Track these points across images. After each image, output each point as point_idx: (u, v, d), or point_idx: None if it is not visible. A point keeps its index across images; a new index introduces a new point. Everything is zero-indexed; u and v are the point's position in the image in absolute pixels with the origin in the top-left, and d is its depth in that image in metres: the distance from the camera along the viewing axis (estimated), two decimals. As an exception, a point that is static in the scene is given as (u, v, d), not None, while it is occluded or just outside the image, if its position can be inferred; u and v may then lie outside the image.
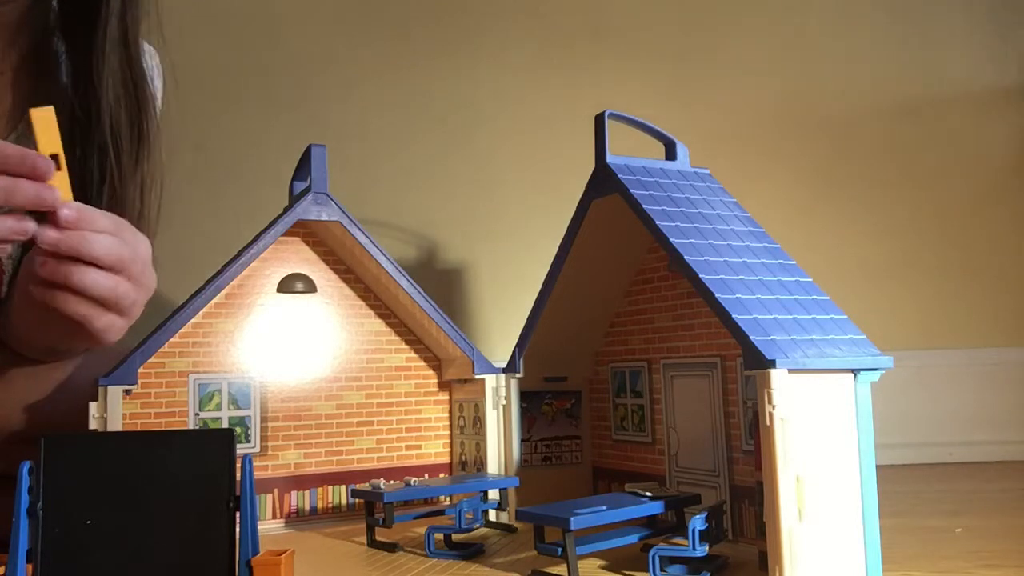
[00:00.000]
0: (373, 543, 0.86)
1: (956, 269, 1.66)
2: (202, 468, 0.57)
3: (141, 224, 0.92)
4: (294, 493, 0.98)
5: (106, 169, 0.89)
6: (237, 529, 0.57)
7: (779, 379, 0.65)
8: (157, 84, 1.02)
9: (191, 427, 0.93)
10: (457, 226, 1.61)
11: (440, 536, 0.84)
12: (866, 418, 0.69)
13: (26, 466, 0.57)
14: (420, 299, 1.00)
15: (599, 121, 0.90)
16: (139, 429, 0.68)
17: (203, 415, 0.94)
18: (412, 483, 0.90)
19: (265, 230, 0.95)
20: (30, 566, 0.56)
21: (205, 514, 0.56)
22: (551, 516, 0.70)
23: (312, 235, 1.03)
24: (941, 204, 1.67)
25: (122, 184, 0.91)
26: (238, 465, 0.57)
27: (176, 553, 0.56)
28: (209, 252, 1.13)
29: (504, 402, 1.01)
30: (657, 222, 0.79)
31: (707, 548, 0.70)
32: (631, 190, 0.84)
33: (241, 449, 0.96)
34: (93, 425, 0.80)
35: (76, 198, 0.66)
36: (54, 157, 0.63)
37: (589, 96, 1.60)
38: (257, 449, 0.97)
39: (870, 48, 1.70)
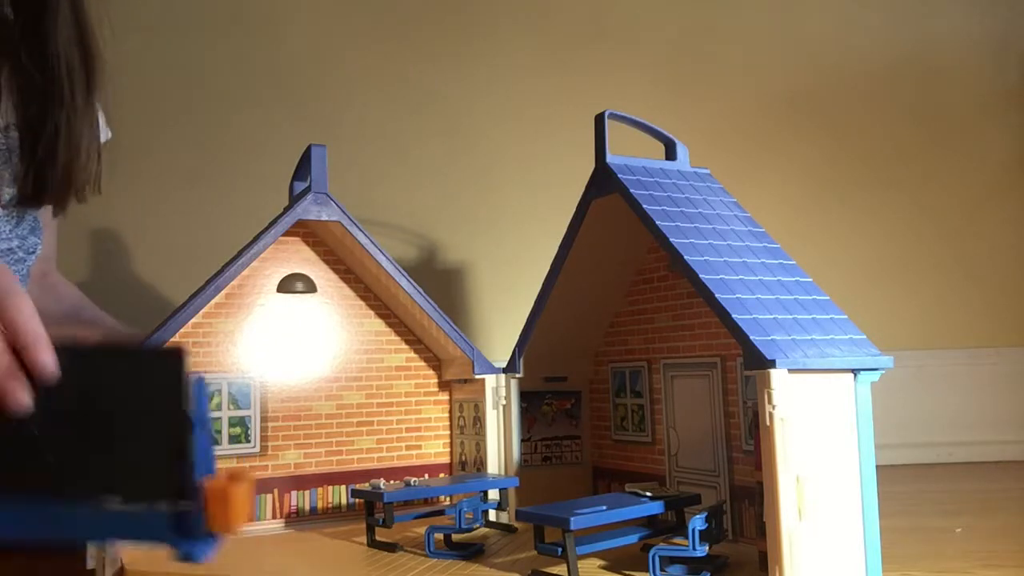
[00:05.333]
0: (373, 543, 0.86)
1: (956, 269, 1.66)
2: (151, 387, 0.52)
3: (92, 183, 0.92)
4: (294, 493, 0.98)
5: (60, 121, 0.89)
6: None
7: (779, 379, 0.65)
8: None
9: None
10: (457, 226, 1.61)
11: (440, 536, 0.84)
12: (866, 418, 0.69)
13: None
14: (420, 299, 1.00)
15: (599, 121, 0.90)
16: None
17: (203, 415, 0.93)
18: (412, 483, 0.90)
19: (265, 230, 0.95)
20: None
21: (155, 435, 0.52)
22: (551, 516, 0.70)
23: (312, 235, 1.03)
24: (941, 204, 1.67)
25: (71, 134, 0.91)
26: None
27: (121, 480, 0.52)
28: (209, 252, 1.13)
29: (504, 402, 1.01)
30: (657, 222, 0.79)
31: (707, 548, 0.70)
32: (631, 190, 0.84)
33: (241, 449, 0.96)
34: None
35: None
36: None
37: (589, 96, 1.60)
38: (257, 449, 0.97)
39: (870, 48, 1.70)
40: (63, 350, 0.57)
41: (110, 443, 0.52)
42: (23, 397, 0.55)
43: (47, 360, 0.55)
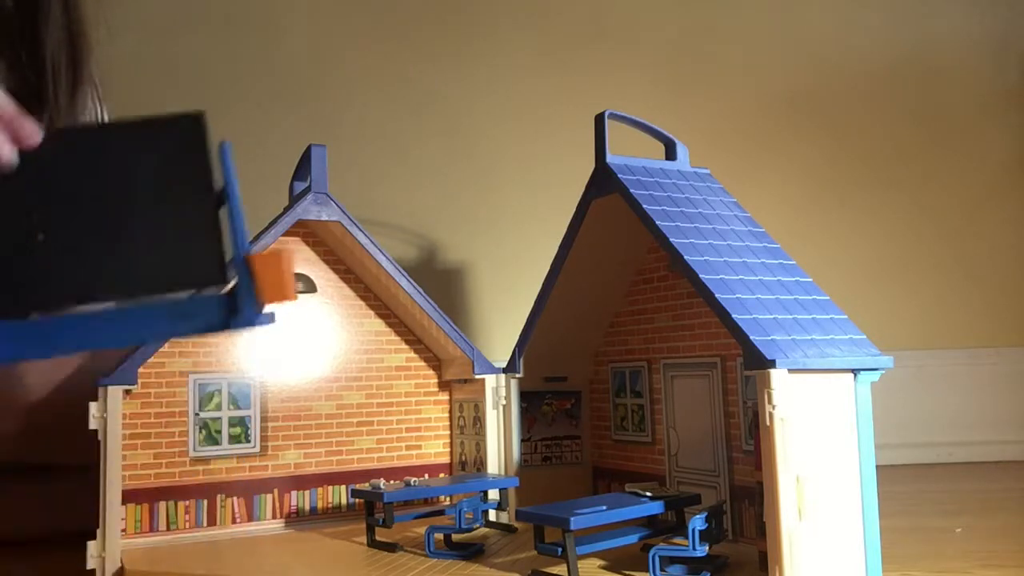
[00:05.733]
0: (373, 543, 0.86)
1: (956, 269, 1.66)
2: (173, 160, 0.47)
3: None
4: (294, 493, 0.98)
5: (43, 121, 0.90)
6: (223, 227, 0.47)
7: (779, 379, 0.65)
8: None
9: (191, 423, 0.93)
10: (457, 226, 1.61)
11: (440, 536, 0.84)
12: (866, 418, 0.69)
13: None
14: (420, 299, 1.00)
15: (599, 121, 0.90)
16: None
17: (203, 415, 0.94)
18: (412, 483, 0.90)
19: (265, 230, 0.95)
20: None
21: (184, 213, 0.46)
22: (551, 516, 0.70)
23: (312, 235, 1.03)
24: (941, 204, 1.67)
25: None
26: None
27: (151, 263, 0.46)
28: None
29: (504, 402, 1.01)
30: (657, 222, 0.79)
31: (707, 548, 0.70)
32: (631, 190, 0.84)
33: (241, 449, 0.96)
34: (93, 425, 0.80)
35: None
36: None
37: (589, 96, 1.60)
38: (257, 449, 0.97)
39: (870, 48, 1.70)
40: (66, 132, 0.52)
41: (139, 232, 0.46)
42: (9, 152, 0.49)
43: (27, 126, 0.50)
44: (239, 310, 0.45)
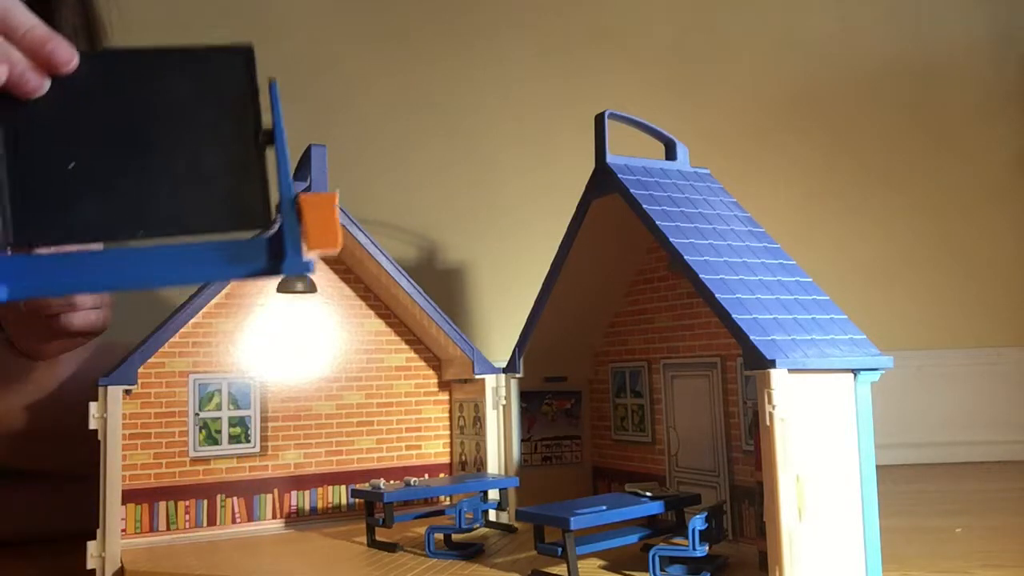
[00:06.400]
0: (373, 543, 0.86)
1: (956, 269, 1.66)
2: (217, 94, 0.44)
3: None
4: (294, 493, 0.98)
5: None
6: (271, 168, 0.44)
7: (779, 379, 0.65)
8: None
9: (191, 423, 0.93)
10: (457, 226, 1.61)
11: (440, 536, 0.84)
12: (866, 418, 0.69)
13: None
14: (420, 299, 1.00)
15: (599, 121, 0.90)
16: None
17: (203, 415, 0.94)
18: (412, 483, 0.90)
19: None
20: None
21: (227, 150, 0.44)
22: (551, 516, 0.70)
23: (312, 235, 1.03)
24: (941, 204, 1.67)
25: None
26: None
27: (191, 200, 0.44)
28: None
29: (504, 402, 1.01)
30: (657, 222, 0.79)
31: (707, 548, 0.70)
32: (631, 190, 0.84)
33: (241, 449, 0.96)
34: (93, 425, 0.80)
35: None
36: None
37: (589, 96, 1.60)
38: (257, 449, 0.97)
39: (870, 48, 1.70)
40: (105, 56, 0.48)
41: (178, 167, 0.43)
42: (38, 81, 0.46)
43: (62, 51, 0.47)
44: (285, 255, 0.41)
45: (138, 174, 0.43)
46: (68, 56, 0.47)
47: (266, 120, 0.45)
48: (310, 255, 0.41)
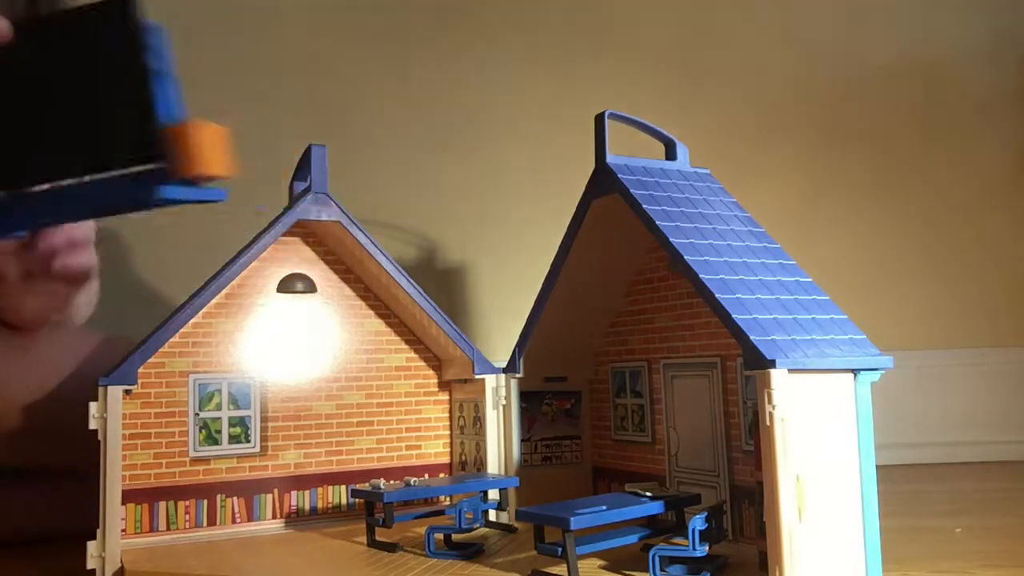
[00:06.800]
0: (373, 543, 0.86)
1: (956, 269, 1.66)
2: (108, 45, 0.49)
3: None
4: (294, 493, 0.98)
5: None
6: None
7: (779, 379, 0.65)
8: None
9: (191, 423, 0.93)
10: (457, 226, 1.61)
11: (440, 536, 0.84)
12: (866, 418, 0.69)
13: None
14: (420, 299, 1.00)
15: (599, 121, 0.90)
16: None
17: (203, 415, 0.94)
18: (412, 483, 0.90)
19: (265, 230, 0.95)
20: None
21: (117, 94, 0.49)
22: (551, 516, 0.70)
23: (312, 235, 1.03)
24: (941, 204, 1.67)
25: None
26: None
27: (95, 143, 0.49)
28: (209, 252, 1.13)
29: (504, 402, 1.01)
30: (657, 222, 0.79)
31: (707, 548, 0.70)
32: (631, 190, 0.84)
33: (241, 449, 0.96)
34: (93, 425, 0.80)
35: None
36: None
37: (589, 96, 1.60)
38: (257, 449, 0.97)
39: (869, 49, 1.70)
40: (18, 25, 0.53)
41: (77, 114, 0.49)
42: None
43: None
44: (161, 183, 0.47)
45: (45, 125, 0.50)
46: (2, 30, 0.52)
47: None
48: (202, 180, 0.47)
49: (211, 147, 0.47)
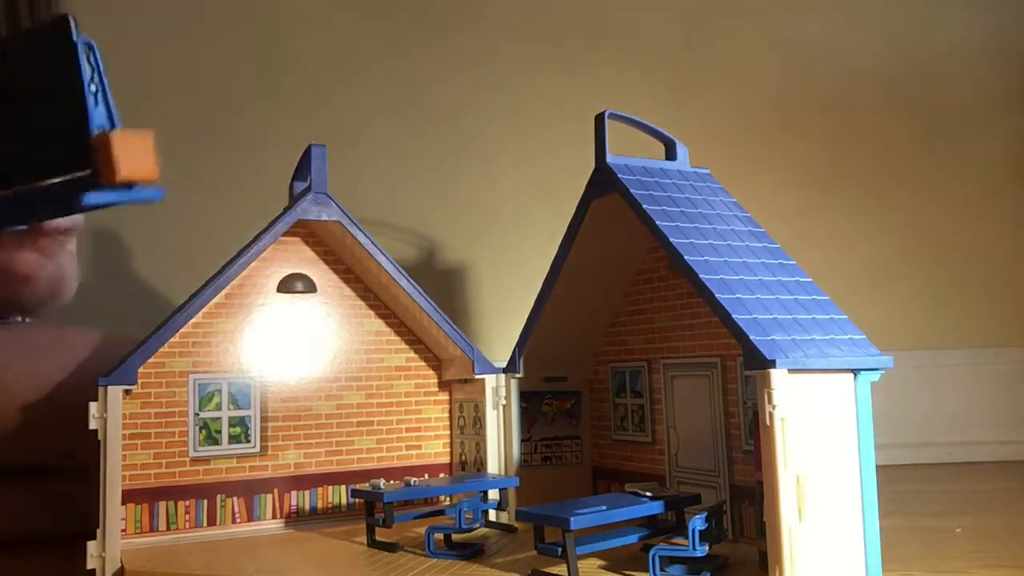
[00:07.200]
0: (373, 543, 0.86)
1: (956, 269, 1.66)
2: (46, 63, 0.52)
3: None
4: (294, 493, 0.98)
5: None
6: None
7: (779, 379, 0.65)
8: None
9: (191, 423, 0.93)
10: (456, 226, 1.61)
11: (440, 536, 0.84)
12: (866, 418, 0.69)
13: None
14: (420, 299, 1.00)
15: (599, 121, 0.90)
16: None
17: (203, 415, 0.94)
18: (412, 483, 0.90)
19: (265, 230, 0.95)
20: None
21: (54, 108, 0.52)
22: (551, 516, 0.70)
23: (312, 235, 1.03)
24: (940, 204, 1.67)
25: None
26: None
27: (30, 156, 0.53)
28: (209, 252, 1.13)
29: (504, 402, 1.01)
30: (657, 222, 0.79)
31: (707, 548, 0.70)
32: (631, 190, 0.84)
33: (241, 449, 0.96)
34: (93, 426, 0.80)
35: None
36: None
37: (589, 96, 1.60)
38: (257, 449, 0.97)
39: (869, 49, 1.70)
40: None
41: (14, 131, 0.53)
42: None
43: None
44: (91, 189, 0.50)
45: None
46: None
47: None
48: (128, 185, 0.50)
49: (135, 154, 0.50)
